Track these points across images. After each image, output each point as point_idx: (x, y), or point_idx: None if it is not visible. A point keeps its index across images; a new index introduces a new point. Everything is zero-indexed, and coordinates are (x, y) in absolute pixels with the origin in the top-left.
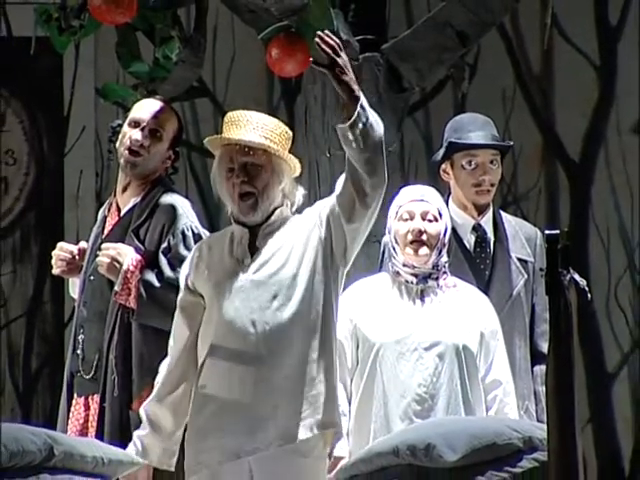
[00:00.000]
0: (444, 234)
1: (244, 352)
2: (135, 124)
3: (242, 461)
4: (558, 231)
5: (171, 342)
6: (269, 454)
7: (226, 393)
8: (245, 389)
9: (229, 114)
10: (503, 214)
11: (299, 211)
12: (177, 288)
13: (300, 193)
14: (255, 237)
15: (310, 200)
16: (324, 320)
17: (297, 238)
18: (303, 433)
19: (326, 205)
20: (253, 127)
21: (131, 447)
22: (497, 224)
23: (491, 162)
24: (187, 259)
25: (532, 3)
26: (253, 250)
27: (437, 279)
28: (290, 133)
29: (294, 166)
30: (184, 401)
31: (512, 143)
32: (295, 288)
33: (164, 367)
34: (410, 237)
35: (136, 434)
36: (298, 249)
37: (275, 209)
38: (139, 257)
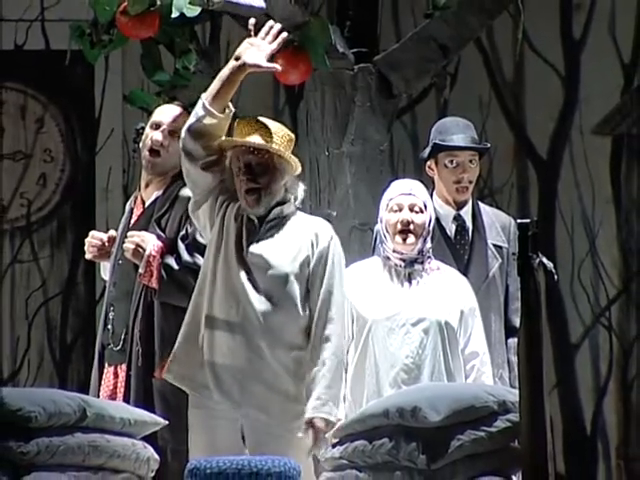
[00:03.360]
0: (429, 224)
1: (240, 325)
2: (156, 126)
3: (236, 422)
4: (528, 220)
5: None
6: (258, 422)
7: (223, 358)
8: (241, 356)
9: (240, 119)
10: (481, 205)
11: (301, 205)
12: (194, 271)
13: (301, 188)
14: (262, 226)
15: (311, 193)
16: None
17: (294, 241)
18: (283, 417)
19: (313, 273)
20: (258, 131)
21: None
22: (475, 214)
23: (470, 162)
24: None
25: (505, 20)
26: (259, 239)
27: (422, 263)
28: (292, 135)
29: (295, 165)
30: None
31: (489, 145)
32: (283, 284)
33: None
34: (399, 227)
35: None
36: (295, 248)
37: (278, 203)
38: (160, 243)
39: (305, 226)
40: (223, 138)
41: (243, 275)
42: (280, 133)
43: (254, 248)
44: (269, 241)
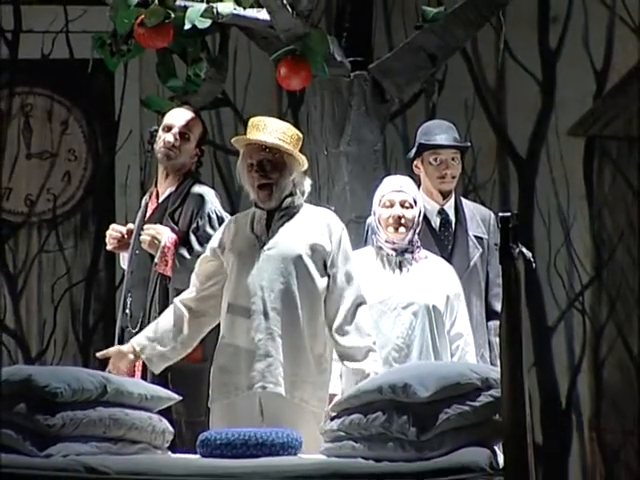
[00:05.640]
0: (418, 216)
1: (256, 310)
2: (168, 128)
3: (254, 397)
4: (509, 214)
5: (195, 282)
6: (276, 393)
7: (242, 341)
8: (257, 338)
9: (252, 119)
10: (463, 200)
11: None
12: None
13: (308, 183)
14: (272, 219)
15: (312, 189)
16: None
17: (307, 228)
18: (298, 388)
19: (333, 262)
20: (269, 130)
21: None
22: (458, 208)
23: (452, 159)
24: (217, 233)
25: (488, 32)
26: (269, 229)
27: (412, 252)
28: (300, 135)
29: (302, 161)
30: (195, 326)
31: (469, 144)
32: (299, 265)
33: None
34: (391, 221)
35: (144, 332)
36: (307, 237)
37: (287, 197)
38: (174, 235)
39: (315, 216)
40: (237, 137)
41: (261, 263)
42: (289, 133)
43: (270, 237)
44: (282, 229)
